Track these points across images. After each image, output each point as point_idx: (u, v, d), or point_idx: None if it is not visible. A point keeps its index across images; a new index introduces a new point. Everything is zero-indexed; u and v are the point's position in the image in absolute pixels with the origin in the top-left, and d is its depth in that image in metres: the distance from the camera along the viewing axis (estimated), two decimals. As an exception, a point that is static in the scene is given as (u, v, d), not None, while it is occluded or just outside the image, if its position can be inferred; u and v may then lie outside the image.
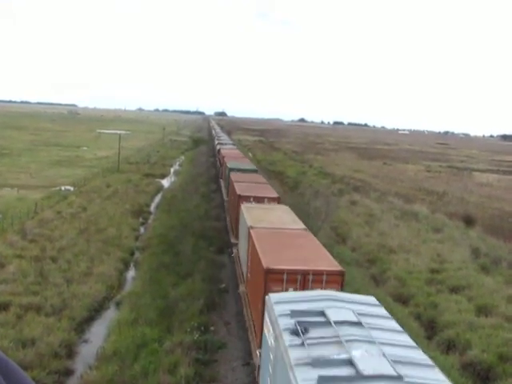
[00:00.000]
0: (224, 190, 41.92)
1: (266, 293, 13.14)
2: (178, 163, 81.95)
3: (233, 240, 27.05)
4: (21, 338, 17.07)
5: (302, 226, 20.45)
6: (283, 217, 22.05)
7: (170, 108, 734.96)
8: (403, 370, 8.21)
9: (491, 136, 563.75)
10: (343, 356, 8.47)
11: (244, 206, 23.55)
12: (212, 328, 19.30)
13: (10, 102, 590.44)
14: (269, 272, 14.50)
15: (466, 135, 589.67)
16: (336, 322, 9.75)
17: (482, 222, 42.12)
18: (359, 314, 10.28)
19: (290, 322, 10.11)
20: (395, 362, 8.33)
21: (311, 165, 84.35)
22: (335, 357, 8.58)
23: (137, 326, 18.84)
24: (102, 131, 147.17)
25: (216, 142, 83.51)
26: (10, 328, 17.85)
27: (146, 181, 57.27)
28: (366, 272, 26.73)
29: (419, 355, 9.30)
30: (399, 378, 7.96)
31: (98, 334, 19.41)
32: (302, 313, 10.48)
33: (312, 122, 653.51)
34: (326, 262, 15.49)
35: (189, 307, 20.42)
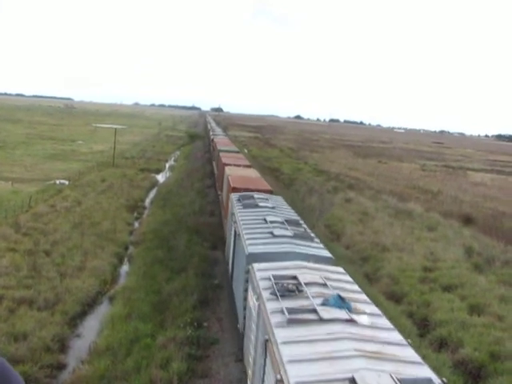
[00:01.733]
0: (215, 167, 53.70)
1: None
2: (173, 158, 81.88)
3: (219, 192, 39.46)
4: (13, 331, 17.06)
5: (259, 175, 35.03)
6: (250, 172, 35.20)
7: (166, 103, 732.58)
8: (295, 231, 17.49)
9: (486, 136, 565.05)
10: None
11: (227, 167, 34.52)
12: (205, 324, 19.31)
13: (5, 94, 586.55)
14: (233, 189, 26.13)
15: (462, 134, 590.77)
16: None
17: (475, 222, 42.29)
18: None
19: (239, 202, 22.21)
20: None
21: (306, 162, 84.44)
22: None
23: (130, 320, 18.84)
24: (97, 125, 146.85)
25: (211, 133, 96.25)
26: (2, 322, 17.82)
27: (141, 175, 57.22)
28: (359, 270, 26.76)
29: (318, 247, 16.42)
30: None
31: (90, 328, 19.41)
32: (245, 195, 23.55)
33: (308, 119, 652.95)
34: (264, 186, 28.69)
35: (182, 302, 20.43)
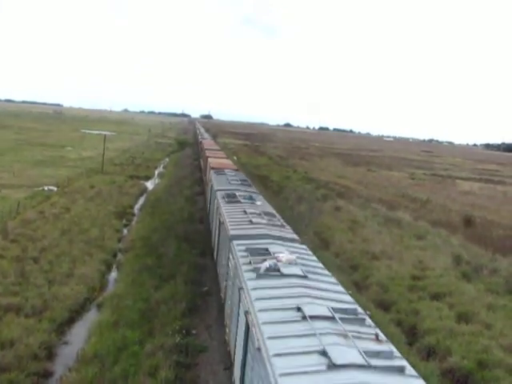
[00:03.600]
0: (202, 162, 66.27)
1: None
2: (162, 165, 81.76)
3: (204, 176, 52.36)
4: (-1, 338, 16.91)
5: (231, 162, 50.56)
6: (225, 161, 49.92)
7: (156, 110, 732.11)
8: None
9: (475, 145, 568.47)
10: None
11: (209, 158, 47.59)
12: (194, 331, 19.24)
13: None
14: (212, 168, 38.67)
15: (450, 143, 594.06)
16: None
17: (463, 230, 42.51)
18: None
19: (214, 173, 36.25)
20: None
21: (296, 170, 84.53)
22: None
23: (118, 328, 18.73)
24: (87, 131, 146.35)
25: (199, 137, 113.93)
26: (-12, 329, 17.65)
27: (130, 182, 57.05)
28: (348, 278, 26.79)
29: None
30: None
31: (78, 335, 19.27)
32: (219, 171, 37.96)
33: (298, 127, 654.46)
34: (232, 166, 43.58)
35: (171, 310, 20.34)
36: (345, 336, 9.35)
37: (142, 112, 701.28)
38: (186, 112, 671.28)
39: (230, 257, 16.92)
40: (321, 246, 33.77)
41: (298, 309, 10.61)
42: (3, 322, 18.43)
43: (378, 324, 11.65)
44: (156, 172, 72.21)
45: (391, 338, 11.96)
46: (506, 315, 22.55)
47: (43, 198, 43.65)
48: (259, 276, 13.00)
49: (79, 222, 34.70)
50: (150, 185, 59.38)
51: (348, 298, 12.25)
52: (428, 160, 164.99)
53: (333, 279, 13.83)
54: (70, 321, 20.41)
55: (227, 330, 16.46)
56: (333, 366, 8.23)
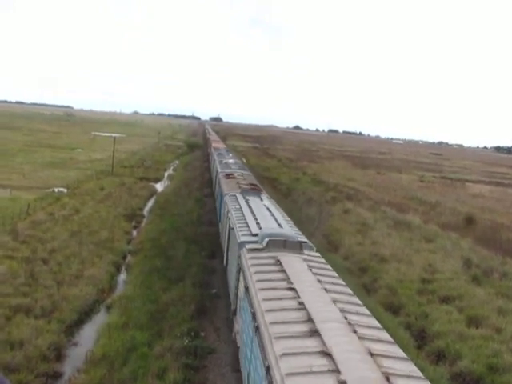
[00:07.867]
0: (209, 148, 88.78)
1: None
2: (172, 168, 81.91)
3: (209, 156, 76.83)
4: (9, 339, 16.97)
5: (224, 146, 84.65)
6: (221, 145, 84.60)
7: (166, 112, 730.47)
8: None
9: (485, 147, 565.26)
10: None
11: (213, 144, 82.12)
12: (202, 333, 19.23)
13: (4, 102, 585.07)
14: (213, 147, 72.59)
15: (460, 146, 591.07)
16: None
17: (473, 234, 42.28)
18: None
19: (214, 151, 65.14)
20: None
21: (305, 172, 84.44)
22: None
23: (127, 329, 18.76)
24: (97, 133, 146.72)
25: (207, 134, 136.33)
26: (-2, 329, 17.72)
27: (139, 184, 57.20)
28: (357, 281, 26.71)
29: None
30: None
31: (87, 337, 19.32)
32: (217, 149, 68.51)
33: (307, 130, 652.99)
34: (224, 147, 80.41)
35: (179, 312, 20.36)
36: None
37: (152, 114, 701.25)
38: (196, 114, 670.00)
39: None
40: (330, 248, 33.71)
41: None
42: (13, 322, 18.51)
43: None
44: (165, 174, 72.35)
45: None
46: (516, 319, 22.40)
47: (53, 199, 43.81)
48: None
49: (89, 224, 34.81)
50: (159, 187, 59.52)
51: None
52: (437, 162, 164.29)
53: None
54: (79, 322, 20.47)
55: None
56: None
